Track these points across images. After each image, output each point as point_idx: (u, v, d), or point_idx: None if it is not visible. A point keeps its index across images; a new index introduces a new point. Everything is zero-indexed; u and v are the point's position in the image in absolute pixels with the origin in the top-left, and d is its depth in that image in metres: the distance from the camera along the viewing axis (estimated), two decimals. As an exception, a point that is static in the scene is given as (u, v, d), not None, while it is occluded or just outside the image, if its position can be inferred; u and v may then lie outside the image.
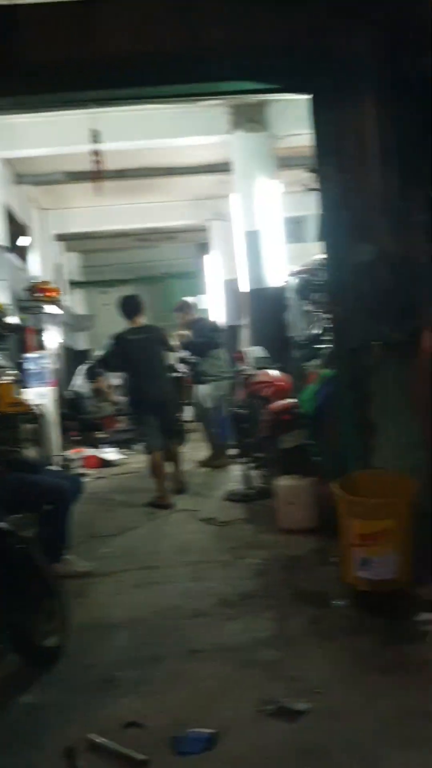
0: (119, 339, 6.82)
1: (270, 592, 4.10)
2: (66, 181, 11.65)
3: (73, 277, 17.39)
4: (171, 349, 6.91)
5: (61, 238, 15.76)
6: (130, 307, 6.88)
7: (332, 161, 4.49)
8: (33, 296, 9.80)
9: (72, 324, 15.73)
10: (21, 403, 8.14)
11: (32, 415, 8.25)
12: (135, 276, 18.13)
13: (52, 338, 11.55)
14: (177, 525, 5.67)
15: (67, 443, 10.50)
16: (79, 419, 11.11)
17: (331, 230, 4.59)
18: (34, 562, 3.41)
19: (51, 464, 7.13)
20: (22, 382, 8.82)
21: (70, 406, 11.39)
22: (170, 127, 9.26)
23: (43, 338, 11.35)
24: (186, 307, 8.77)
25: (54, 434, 9.02)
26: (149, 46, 4.41)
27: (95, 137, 4.69)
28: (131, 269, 18.13)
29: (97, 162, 4.73)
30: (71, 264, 17.64)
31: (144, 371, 6.58)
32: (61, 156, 10.47)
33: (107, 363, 7.04)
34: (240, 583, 4.25)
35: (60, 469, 6.70)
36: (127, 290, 18.07)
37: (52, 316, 11.93)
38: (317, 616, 3.71)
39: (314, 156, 4.64)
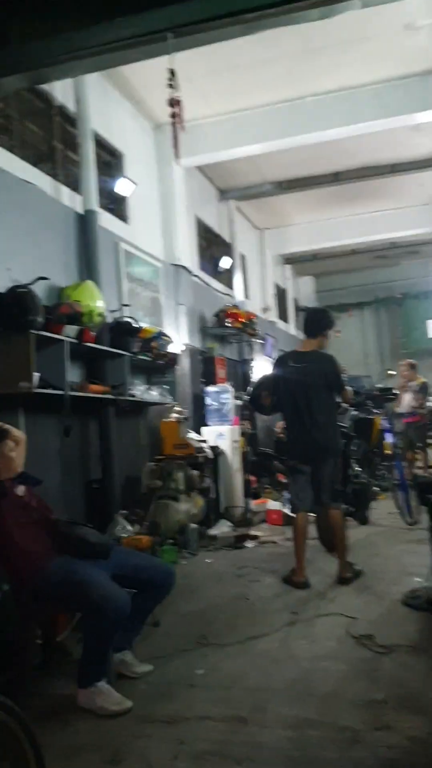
0: (274, 367, 5.29)
1: None
2: (275, 193, 10.47)
3: (303, 302, 16.11)
4: (340, 386, 5.06)
5: (289, 260, 14.65)
6: (305, 323, 5.31)
7: None
8: (221, 323, 8.63)
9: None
10: (187, 445, 6.98)
11: (201, 459, 7.03)
12: (373, 298, 16.23)
13: (260, 370, 10.33)
14: (317, 639, 3.87)
15: (271, 489, 9.08)
16: (284, 461, 9.67)
17: None
18: None
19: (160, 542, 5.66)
20: (192, 419, 7.68)
21: (278, 447, 10.02)
22: (377, 106, 7.54)
23: (250, 370, 10.23)
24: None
25: (235, 480, 7.68)
26: None
27: (171, 79, 3.23)
28: (369, 291, 16.28)
29: (175, 115, 3.26)
30: (303, 288, 16.42)
31: (299, 411, 4.93)
32: (264, 162, 9.32)
33: (253, 399, 5.46)
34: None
35: (152, 554, 5.23)
36: (362, 315, 16.36)
37: (261, 346, 10.79)
38: None
39: None
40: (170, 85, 3.29)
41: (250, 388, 6.59)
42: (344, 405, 5.96)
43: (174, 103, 3.30)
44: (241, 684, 3.38)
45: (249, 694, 3.26)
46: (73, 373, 5.30)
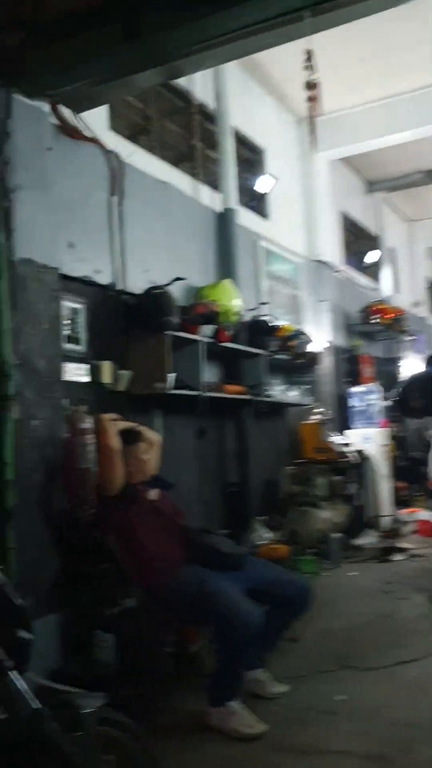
0: (426, 365, 4.88)
1: None
2: (428, 182, 9.84)
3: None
4: None
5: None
6: None
7: None
8: (368, 319, 8.22)
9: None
10: (329, 449, 6.66)
11: (345, 464, 6.69)
12: None
13: (410, 369, 9.75)
14: None
15: (415, 497, 8.53)
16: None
17: None
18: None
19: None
20: (335, 421, 7.32)
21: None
22: None
23: (399, 369, 9.68)
24: None
25: (383, 487, 7.25)
26: None
27: (308, 60, 2.99)
28: None
29: (312, 98, 3.02)
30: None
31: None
32: (416, 150, 8.75)
33: (402, 402, 5.05)
34: None
35: (290, 565, 4.92)
36: None
37: (411, 343, 10.18)
38: None
39: None
40: (307, 67, 3.04)
41: (396, 389, 6.16)
42: None
43: (311, 86, 3.05)
44: (385, 716, 3.07)
45: (393, 729, 2.94)
46: (209, 374, 5.18)
